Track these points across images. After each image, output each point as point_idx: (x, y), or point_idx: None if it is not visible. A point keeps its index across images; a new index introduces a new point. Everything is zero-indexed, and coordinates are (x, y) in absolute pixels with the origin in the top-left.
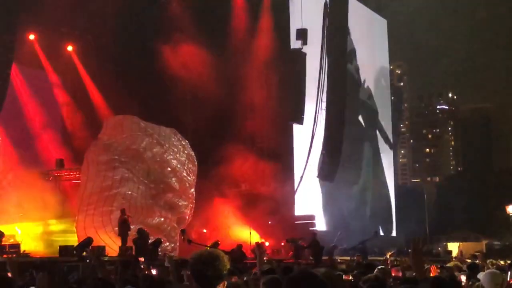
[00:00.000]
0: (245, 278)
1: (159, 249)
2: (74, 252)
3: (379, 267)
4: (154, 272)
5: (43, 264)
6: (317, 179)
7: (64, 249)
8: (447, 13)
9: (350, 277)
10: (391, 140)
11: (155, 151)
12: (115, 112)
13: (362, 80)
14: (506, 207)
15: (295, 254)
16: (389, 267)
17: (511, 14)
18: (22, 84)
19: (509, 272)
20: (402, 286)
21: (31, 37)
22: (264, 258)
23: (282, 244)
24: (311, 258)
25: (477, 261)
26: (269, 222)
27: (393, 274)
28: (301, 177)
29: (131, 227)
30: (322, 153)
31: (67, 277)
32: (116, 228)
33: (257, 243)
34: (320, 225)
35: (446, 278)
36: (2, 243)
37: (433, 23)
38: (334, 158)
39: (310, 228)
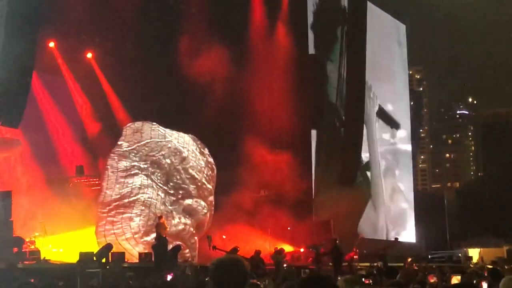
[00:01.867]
0: (266, 281)
1: (178, 256)
2: (94, 258)
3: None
4: (169, 278)
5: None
6: (336, 184)
7: (84, 256)
8: (467, 17)
9: (370, 281)
10: (411, 145)
11: (174, 157)
12: (134, 118)
13: (381, 85)
14: None
15: (316, 260)
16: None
17: None
18: (42, 91)
19: None
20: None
21: (51, 44)
22: (284, 265)
23: (302, 250)
24: (330, 264)
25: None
26: (288, 228)
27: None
28: (320, 182)
29: (152, 234)
30: (341, 159)
31: (87, 284)
32: (136, 236)
33: (276, 250)
34: (339, 231)
35: (464, 285)
36: (23, 250)
37: (453, 28)
38: (353, 164)
39: (331, 237)
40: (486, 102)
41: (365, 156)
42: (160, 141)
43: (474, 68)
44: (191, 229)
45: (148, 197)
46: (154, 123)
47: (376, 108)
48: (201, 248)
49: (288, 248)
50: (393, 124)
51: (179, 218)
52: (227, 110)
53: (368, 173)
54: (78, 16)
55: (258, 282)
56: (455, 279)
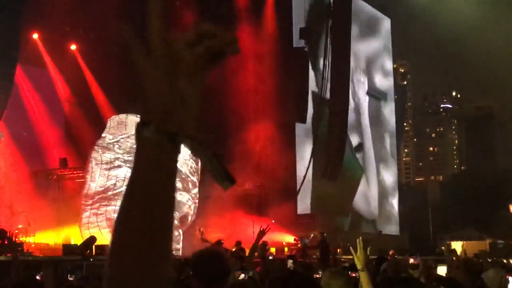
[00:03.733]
0: (250, 273)
1: None
2: (78, 251)
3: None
4: None
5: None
6: (319, 177)
7: (68, 248)
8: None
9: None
10: (395, 138)
11: None
12: (118, 111)
13: (365, 79)
14: (510, 206)
15: (303, 253)
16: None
17: None
18: (25, 83)
19: None
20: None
21: (35, 36)
22: (270, 257)
23: (284, 243)
24: (314, 257)
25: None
26: (272, 221)
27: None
28: (304, 176)
29: None
30: (325, 152)
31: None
32: None
33: (261, 243)
34: (323, 224)
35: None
36: (5, 242)
37: (437, 22)
38: (337, 157)
39: (318, 230)
40: (469, 96)
41: (355, 143)
42: None
43: (458, 62)
44: (175, 222)
45: None
46: (138, 115)
47: (365, 98)
48: (185, 241)
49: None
50: (375, 117)
51: None
52: (210, 103)
53: (352, 165)
54: (62, 7)
55: (243, 274)
56: (440, 270)
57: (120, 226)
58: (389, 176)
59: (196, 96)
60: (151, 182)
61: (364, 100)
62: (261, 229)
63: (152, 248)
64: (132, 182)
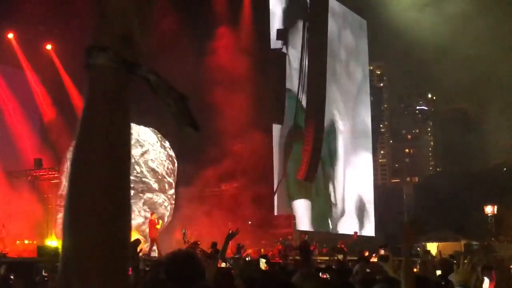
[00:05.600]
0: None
1: (138, 250)
2: (53, 252)
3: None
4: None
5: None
6: (297, 179)
7: (43, 249)
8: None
9: (326, 276)
10: (371, 140)
11: (134, 151)
12: None
13: (342, 80)
14: (484, 207)
15: (283, 255)
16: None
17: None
18: (0, 82)
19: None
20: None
21: (10, 35)
22: (247, 259)
23: (263, 242)
24: (291, 258)
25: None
26: (249, 222)
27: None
28: (281, 177)
29: None
30: (302, 153)
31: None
32: None
33: (237, 244)
34: (300, 225)
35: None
36: None
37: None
38: (314, 158)
39: (293, 231)
40: (445, 98)
41: (323, 151)
42: None
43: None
44: None
45: None
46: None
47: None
48: (162, 242)
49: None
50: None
51: (139, 212)
52: (188, 105)
53: (329, 167)
54: (38, 7)
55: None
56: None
57: (75, 165)
58: (365, 178)
59: (151, 27)
60: (106, 118)
61: (341, 101)
62: (230, 232)
63: (108, 192)
64: (85, 119)
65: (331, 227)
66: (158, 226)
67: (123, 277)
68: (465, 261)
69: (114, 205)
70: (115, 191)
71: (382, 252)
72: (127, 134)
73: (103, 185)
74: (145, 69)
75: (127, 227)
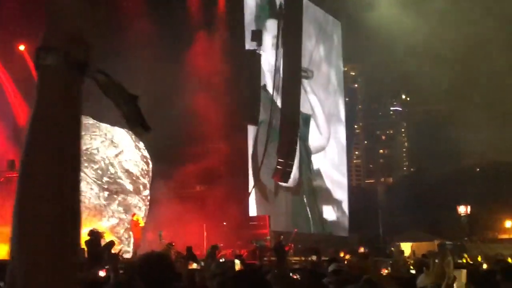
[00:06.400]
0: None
1: (111, 252)
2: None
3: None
4: (102, 274)
5: None
6: (272, 180)
7: None
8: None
9: (297, 276)
10: (345, 141)
11: (108, 152)
12: None
13: (314, 78)
14: (458, 207)
15: (259, 256)
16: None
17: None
18: None
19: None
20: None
21: None
22: (221, 260)
23: (238, 243)
24: (265, 259)
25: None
26: (224, 223)
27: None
28: (256, 178)
29: (85, 229)
30: (276, 154)
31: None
32: None
33: (211, 246)
34: (275, 225)
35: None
36: None
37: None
38: (289, 158)
39: (268, 232)
40: (419, 99)
41: (304, 148)
42: (94, 135)
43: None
44: (126, 224)
45: (82, 192)
46: (88, 117)
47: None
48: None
49: (224, 243)
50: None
51: (113, 213)
52: (161, 105)
53: (303, 167)
54: (11, 6)
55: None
56: (385, 271)
57: (23, 167)
58: (339, 178)
59: (100, 26)
60: (55, 119)
61: (315, 101)
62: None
63: (57, 196)
64: (35, 119)
65: (312, 227)
66: (141, 224)
67: (71, 283)
68: (436, 260)
69: (62, 208)
70: (64, 195)
71: (361, 250)
72: (77, 135)
73: (51, 188)
74: (95, 70)
75: (77, 232)
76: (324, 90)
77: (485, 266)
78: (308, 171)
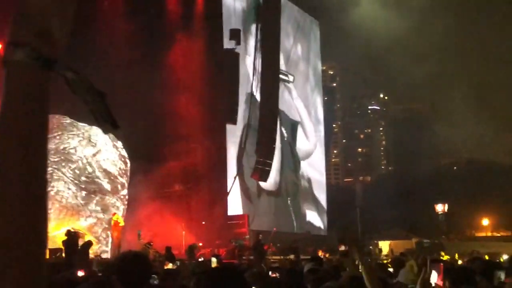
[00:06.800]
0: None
1: (89, 251)
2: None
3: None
4: (80, 274)
5: None
6: (251, 179)
7: None
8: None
9: (276, 275)
10: (324, 140)
11: (86, 151)
12: None
13: (294, 80)
14: (435, 205)
15: (238, 255)
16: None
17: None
18: None
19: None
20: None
21: None
22: (200, 259)
23: (217, 242)
24: (244, 258)
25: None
26: (203, 223)
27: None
28: (235, 177)
29: (63, 229)
30: (255, 153)
31: None
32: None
33: (190, 245)
34: (254, 225)
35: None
36: None
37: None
38: (267, 158)
39: (246, 231)
40: (396, 98)
41: (276, 151)
42: (72, 134)
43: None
44: (104, 223)
45: (59, 191)
46: (65, 116)
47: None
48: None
49: (202, 242)
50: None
51: (91, 213)
52: (140, 104)
53: (282, 166)
54: None
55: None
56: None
57: None
58: (318, 177)
59: (70, 23)
60: (22, 114)
61: (301, 108)
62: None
63: (22, 192)
64: (1, 113)
65: (292, 226)
66: (122, 224)
67: (37, 278)
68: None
69: (29, 206)
70: (30, 191)
71: (342, 248)
72: (44, 131)
73: (17, 184)
74: (64, 66)
75: (43, 225)
76: (306, 92)
77: (460, 263)
78: (294, 176)
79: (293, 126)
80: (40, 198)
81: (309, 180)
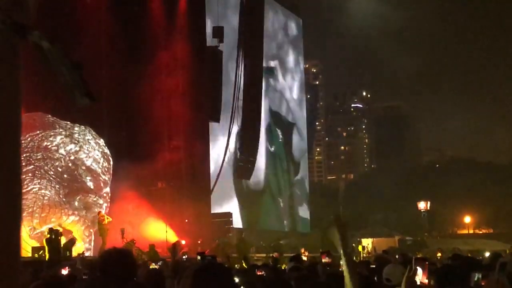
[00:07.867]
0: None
1: (72, 249)
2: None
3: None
4: (65, 272)
5: None
6: (233, 177)
7: None
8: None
9: (262, 272)
10: (307, 138)
11: (68, 149)
12: (27, 109)
13: (278, 78)
14: (418, 203)
15: (224, 253)
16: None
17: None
18: None
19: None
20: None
21: None
22: (183, 257)
23: (199, 242)
24: (230, 256)
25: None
26: (186, 220)
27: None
28: (218, 175)
29: (45, 226)
30: (238, 151)
31: None
32: (28, 228)
33: (173, 243)
34: (237, 223)
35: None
36: None
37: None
38: (250, 156)
39: (231, 228)
40: (379, 96)
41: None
42: (54, 132)
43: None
44: (87, 221)
45: (41, 189)
46: (48, 115)
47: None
48: (98, 241)
49: (186, 240)
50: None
51: (74, 211)
52: (124, 103)
53: (265, 164)
54: None
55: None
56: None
57: None
58: (301, 175)
59: None
60: None
61: (276, 99)
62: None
63: None
64: None
65: (285, 224)
66: (106, 222)
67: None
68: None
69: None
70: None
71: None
72: (17, 97)
73: None
74: (38, 34)
75: (16, 231)
76: (284, 86)
77: (439, 256)
78: (287, 176)
79: (288, 128)
80: (13, 200)
81: (291, 177)
